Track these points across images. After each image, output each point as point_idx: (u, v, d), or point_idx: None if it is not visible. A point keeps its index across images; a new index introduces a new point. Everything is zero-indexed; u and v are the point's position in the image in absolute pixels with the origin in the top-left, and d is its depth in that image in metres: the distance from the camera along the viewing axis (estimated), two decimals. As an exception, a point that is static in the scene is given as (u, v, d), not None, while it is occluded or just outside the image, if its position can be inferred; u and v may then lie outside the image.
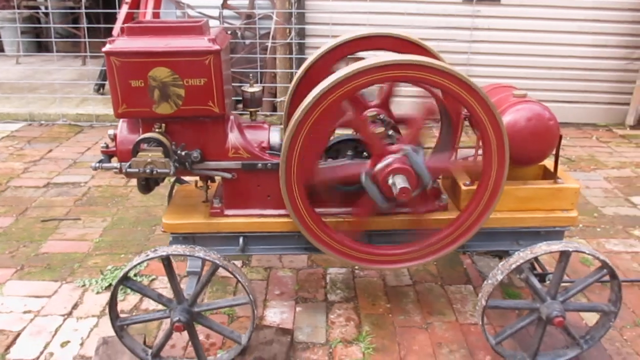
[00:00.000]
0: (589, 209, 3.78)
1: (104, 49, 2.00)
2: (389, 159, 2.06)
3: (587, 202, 3.89)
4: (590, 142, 5.24)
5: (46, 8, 7.77)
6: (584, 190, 4.07)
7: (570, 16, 5.38)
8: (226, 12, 5.57)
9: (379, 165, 2.07)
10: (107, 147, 2.23)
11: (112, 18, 5.49)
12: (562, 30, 5.42)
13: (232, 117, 2.25)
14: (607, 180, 4.30)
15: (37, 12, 8.18)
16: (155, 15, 6.02)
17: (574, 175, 4.35)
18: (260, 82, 5.56)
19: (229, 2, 5.56)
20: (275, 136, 2.29)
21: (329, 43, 2.51)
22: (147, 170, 2.08)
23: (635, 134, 5.46)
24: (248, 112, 2.41)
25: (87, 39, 5.93)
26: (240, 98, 2.39)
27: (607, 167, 4.56)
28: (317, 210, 2.20)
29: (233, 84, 4.79)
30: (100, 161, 2.22)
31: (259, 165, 2.22)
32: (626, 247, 3.29)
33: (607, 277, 2.21)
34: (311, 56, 2.55)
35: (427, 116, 2.16)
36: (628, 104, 5.58)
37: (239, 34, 5.62)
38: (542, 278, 2.45)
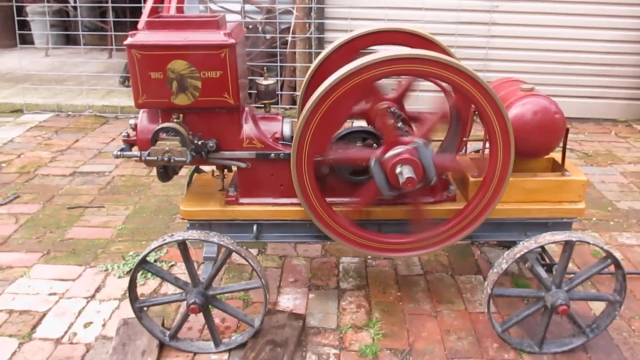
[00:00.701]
0: (603, 203, 3.79)
1: (125, 42, 2.10)
2: (399, 148, 2.12)
3: (602, 196, 3.90)
4: (608, 137, 5.22)
5: (75, 2, 7.94)
6: (599, 185, 4.08)
7: (589, 11, 5.34)
8: (248, 7, 5.67)
9: (390, 153, 2.13)
10: (128, 136, 2.33)
11: (138, 12, 5.62)
12: (581, 25, 5.39)
13: (246, 109, 2.34)
14: (624, 175, 4.29)
15: (66, 6, 8.37)
16: (179, 9, 6.11)
17: (590, 170, 4.36)
18: (280, 76, 5.65)
19: (250, -3, 5.65)
20: (287, 127, 2.37)
21: (342, 38, 2.58)
22: (165, 159, 2.17)
23: (654, 130, 5.42)
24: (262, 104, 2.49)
25: (113, 33, 6.08)
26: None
27: (624, 162, 4.55)
28: (328, 199, 2.28)
29: (254, 77, 4.88)
30: (122, 149, 2.32)
31: (272, 155, 2.30)
32: (639, 240, 3.30)
33: (612, 268, 2.26)
34: (324, 51, 2.63)
35: (440, 120, 2.23)
36: (648, 99, 5.55)
37: (260, 28, 5.71)
38: (549, 268, 2.50)
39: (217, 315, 2.51)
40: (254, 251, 3.14)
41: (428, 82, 2.31)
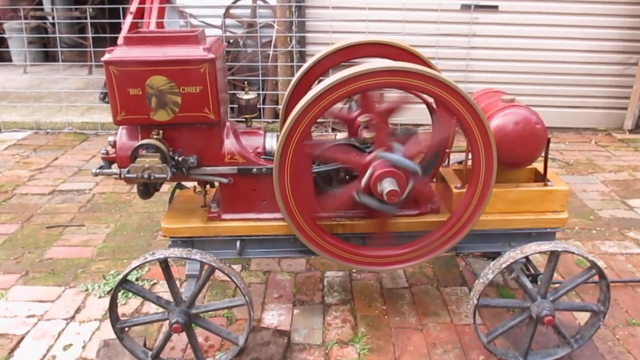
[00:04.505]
0: (585, 211, 3.82)
1: (102, 59, 2.07)
2: (369, 169, 2.12)
3: (583, 205, 3.92)
4: (589, 146, 5.28)
5: (53, 18, 7.90)
6: (581, 194, 4.11)
7: (567, 22, 5.42)
8: (228, 21, 5.66)
9: (364, 180, 2.12)
10: (107, 153, 2.30)
11: (117, 28, 5.59)
12: (560, 36, 5.46)
13: (228, 124, 2.32)
14: (605, 183, 4.33)
15: (44, 23, 8.31)
16: (159, 24, 6.09)
17: (572, 179, 4.40)
18: (262, 90, 5.64)
19: (231, 11, 5.65)
20: (269, 142, 2.35)
21: (323, 51, 2.57)
22: (145, 176, 2.14)
23: (633, 138, 5.50)
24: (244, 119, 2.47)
25: (93, 49, 6.03)
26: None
27: (604, 171, 4.60)
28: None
29: (236, 91, 4.86)
30: (101, 167, 2.28)
31: (254, 170, 2.28)
32: (621, 248, 3.33)
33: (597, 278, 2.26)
34: (305, 64, 2.62)
35: (388, 116, 2.20)
36: (626, 108, 5.62)
37: (241, 42, 5.71)
38: (534, 279, 2.49)
39: (200, 333, 2.47)
40: (238, 267, 3.10)
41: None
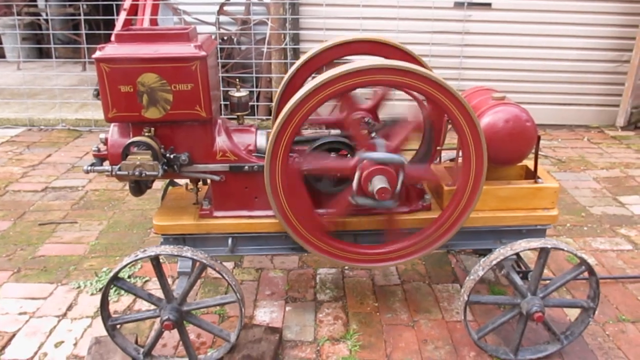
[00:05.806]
0: (577, 208, 3.84)
1: (93, 56, 2.07)
2: (357, 172, 2.12)
3: (575, 202, 3.94)
4: (581, 143, 5.30)
5: (47, 15, 7.87)
6: (572, 191, 4.13)
7: (560, 20, 5.44)
8: (222, 18, 5.66)
9: (355, 183, 2.13)
10: (99, 150, 2.29)
11: (111, 24, 5.57)
12: (553, 33, 5.48)
13: (219, 121, 2.32)
14: (596, 180, 4.35)
15: (38, 19, 8.28)
16: (153, 21, 6.08)
17: (564, 176, 4.42)
18: (256, 87, 5.64)
19: (225, 8, 5.64)
20: (261, 139, 2.35)
21: (315, 48, 2.58)
22: (136, 173, 2.14)
23: (625, 135, 5.52)
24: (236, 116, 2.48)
25: (86, 45, 6.01)
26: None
27: (596, 168, 4.62)
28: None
29: (229, 88, 4.85)
30: (92, 164, 2.28)
31: (246, 167, 2.29)
32: (612, 245, 3.35)
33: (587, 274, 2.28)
34: (297, 62, 2.62)
35: (413, 132, 2.22)
36: (618, 105, 5.64)
37: (235, 39, 5.70)
38: (524, 275, 2.51)
39: (192, 330, 2.47)
40: (230, 264, 3.11)
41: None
